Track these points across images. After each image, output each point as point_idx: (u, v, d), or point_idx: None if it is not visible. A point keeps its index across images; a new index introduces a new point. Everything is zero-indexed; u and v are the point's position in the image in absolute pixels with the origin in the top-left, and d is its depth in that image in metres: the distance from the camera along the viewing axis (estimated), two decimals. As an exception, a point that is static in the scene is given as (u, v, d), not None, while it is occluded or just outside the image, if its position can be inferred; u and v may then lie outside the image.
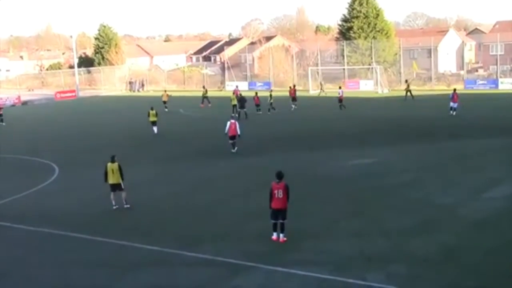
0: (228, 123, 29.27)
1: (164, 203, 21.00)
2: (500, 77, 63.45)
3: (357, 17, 72.87)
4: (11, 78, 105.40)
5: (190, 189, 22.99)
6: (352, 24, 73.14)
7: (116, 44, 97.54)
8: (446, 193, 20.46)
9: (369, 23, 72.37)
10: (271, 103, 46.26)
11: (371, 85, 64.66)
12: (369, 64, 68.42)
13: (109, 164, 19.88)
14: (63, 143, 36.59)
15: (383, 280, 13.16)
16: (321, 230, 17.00)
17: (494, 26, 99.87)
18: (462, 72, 71.90)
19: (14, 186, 24.24)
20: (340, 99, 46.65)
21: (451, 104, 40.57)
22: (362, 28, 72.27)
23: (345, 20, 75.31)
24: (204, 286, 13.47)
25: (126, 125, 44.16)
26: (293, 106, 48.41)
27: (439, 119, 39.19)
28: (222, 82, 79.66)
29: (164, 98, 52.05)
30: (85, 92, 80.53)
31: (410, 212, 18.38)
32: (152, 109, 38.53)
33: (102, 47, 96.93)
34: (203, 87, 58.60)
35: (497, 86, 60.47)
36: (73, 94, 76.43)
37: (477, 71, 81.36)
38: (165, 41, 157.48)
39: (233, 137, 29.17)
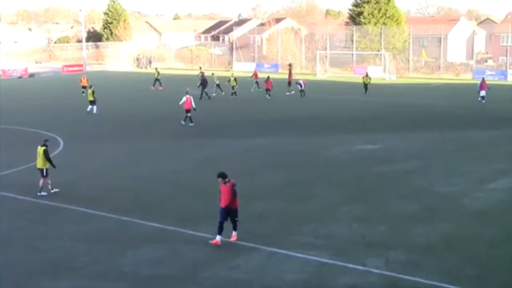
0: (184, 98, 31.86)
1: (165, 181, 21.03)
2: (510, 68, 62.96)
3: (368, 2, 72.34)
4: (18, 50, 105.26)
5: (192, 168, 23.01)
6: (362, 9, 72.62)
7: (124, 20, 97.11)
8: (450, 182, 20.42)
9: (380, 9, 71.84)
10: (232, 87, 44.64)
11: (379, 72, 64.34)
12: (378, 50, 68.06)
13: (38, 148, 19.17)
14: (68, 116, 36.54)
15: (382, 266, 13.18)
16: (322, 214, 17.01)
17: (506, 16, 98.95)
18: (471, 62, 71.36)
19: (18, 158, 24.24)
20: (301, 87, 45.47)
21: (481, 92, 41.01)
22: (372, 13, 71.75)
23: (355, 5, 74.77)
24: (205, 265, 13.50)
25: (131, 101, 44.14)
26: (288, 92, 47.29)
27: (446, 108, 39.02)
28: (230, 63, 79.46)
29: (84, 83, 48.45)
30: (92, 66, 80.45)
31: (413, 199, 18.37)
32: (90, 87, 38.14)
33: (111, 23, 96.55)
34: (156, 69, 56.30)
35: (506, 77, 60.05)
36: (80, 68, 76.31)
37: (486, 61, 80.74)
38: (174, 19, 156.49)
39: (188, 111, 31.81)
